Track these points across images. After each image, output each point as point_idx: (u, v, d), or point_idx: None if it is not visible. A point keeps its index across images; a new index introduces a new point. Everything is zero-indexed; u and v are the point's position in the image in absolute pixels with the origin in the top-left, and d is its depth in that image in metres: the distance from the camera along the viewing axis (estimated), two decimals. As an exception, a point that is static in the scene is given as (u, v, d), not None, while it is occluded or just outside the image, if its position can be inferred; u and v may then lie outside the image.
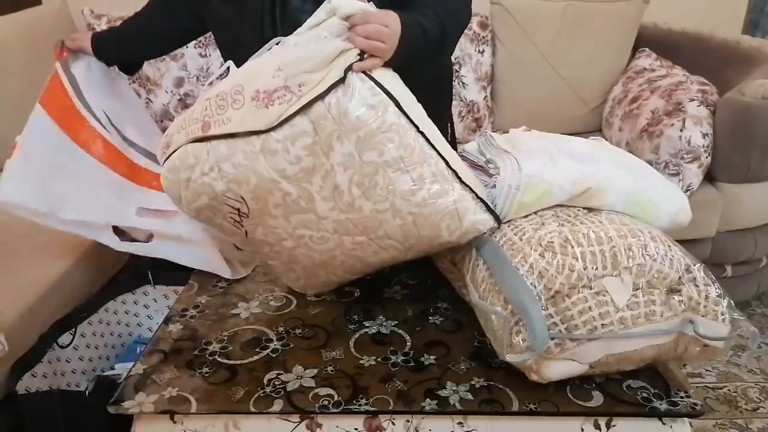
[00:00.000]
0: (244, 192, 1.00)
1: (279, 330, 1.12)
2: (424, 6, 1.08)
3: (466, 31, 1.49)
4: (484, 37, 2.32)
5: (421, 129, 0.96)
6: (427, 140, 0.96)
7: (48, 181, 1.28)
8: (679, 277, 0.92)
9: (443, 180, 0.97)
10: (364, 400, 0.94)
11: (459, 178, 0.98)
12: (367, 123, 0.92)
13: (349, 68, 0.92)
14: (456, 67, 2.27)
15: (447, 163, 0.97)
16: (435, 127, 1.00)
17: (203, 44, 2.29)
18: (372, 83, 0.93)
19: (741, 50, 1.99)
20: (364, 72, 0.93)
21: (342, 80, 0.91)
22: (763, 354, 1.85)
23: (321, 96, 0.92)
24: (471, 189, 0.99)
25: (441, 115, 1.40)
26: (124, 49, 1.48)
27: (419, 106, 0.99)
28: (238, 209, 1.03)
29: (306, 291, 1.23)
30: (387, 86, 0.94)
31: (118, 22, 2.28)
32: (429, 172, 0.96)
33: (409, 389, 0.96)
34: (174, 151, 1.03)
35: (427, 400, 0.94)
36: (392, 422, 0.93)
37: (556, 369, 0.92)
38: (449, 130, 1.43)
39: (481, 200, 0.99)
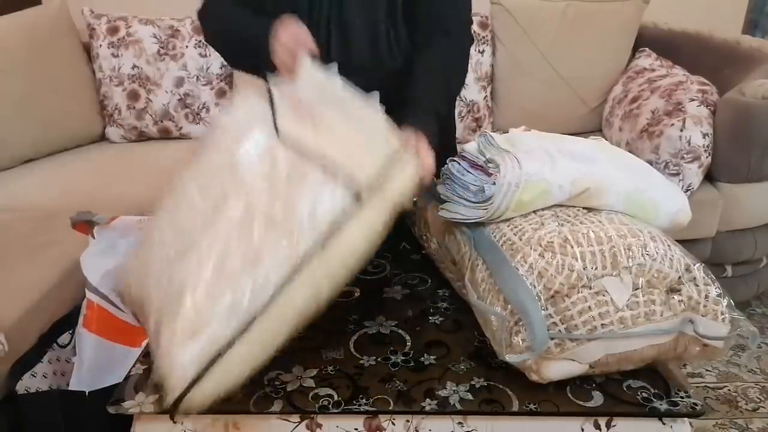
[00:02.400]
0: None
1: (279, 330, 1.12)
2: (423, 74, 1.21)
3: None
4: (484, 37, 2.32)
5: None
6: None
7: None
8: (679, 277, 0.92)
9: None
10: (364, 400, 0.94)
11: None
12: None
13: None
14: (456, 67, 2.27)
15: None
16: None
17: (203, 44, 2.29)
18: None
19: (741, 50, 1.99)
20: None
21: None
22: (763, 354, 1.85)
23: None
24: None
25: (448, 113, 1.43)
26: None
27: None
28: None
29: None
30: None
31: (119, 22, 2.30)
32: None
33: (409, 389, 0.96)
34: None
35: (427, 400, 0.94)
36: (392, 422, 0.93)
37: (556, 369, 0.92)
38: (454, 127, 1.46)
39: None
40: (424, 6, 1.25)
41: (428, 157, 1.05)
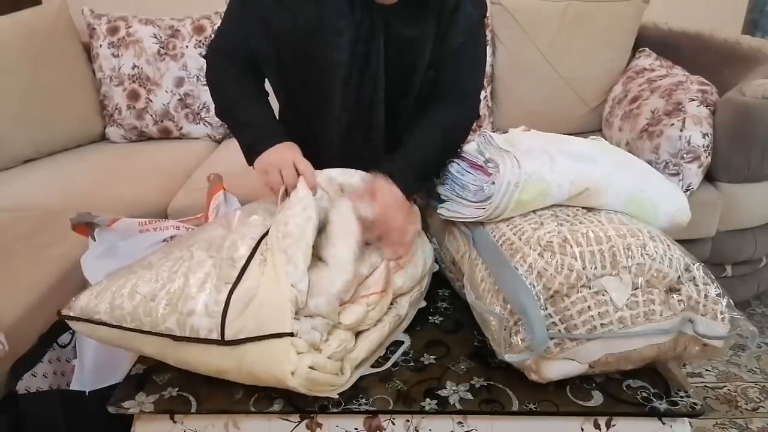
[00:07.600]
0: None
1: (279, 330, 1.12)
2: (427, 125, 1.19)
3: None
4: (484, 37, 2.32)
5: None
6: None
7: None
8: (679, 277, 0.92)
9: None
10: (364, 400, 0.94)
11: None
12: None
13: None
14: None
15: None
16: None
17: (203, 44, 2.29)
18: None
19: (741, 50, 1.98)
20: None
21: None
22: (763, 354, 1.85)
23: None
24: None
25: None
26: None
27: None
28: None
29: None
30: None
31: (119, 22, 2.30)
32: None
33: (409, 389, 0.96)
34: None
35: (427, 400, 0.94)
36: (392, 422, 0.94)
37: (556, 369, 0.92)
38: None
39: None
40: (450, 72, 1.24)
41: (388, 197, 1.05)
